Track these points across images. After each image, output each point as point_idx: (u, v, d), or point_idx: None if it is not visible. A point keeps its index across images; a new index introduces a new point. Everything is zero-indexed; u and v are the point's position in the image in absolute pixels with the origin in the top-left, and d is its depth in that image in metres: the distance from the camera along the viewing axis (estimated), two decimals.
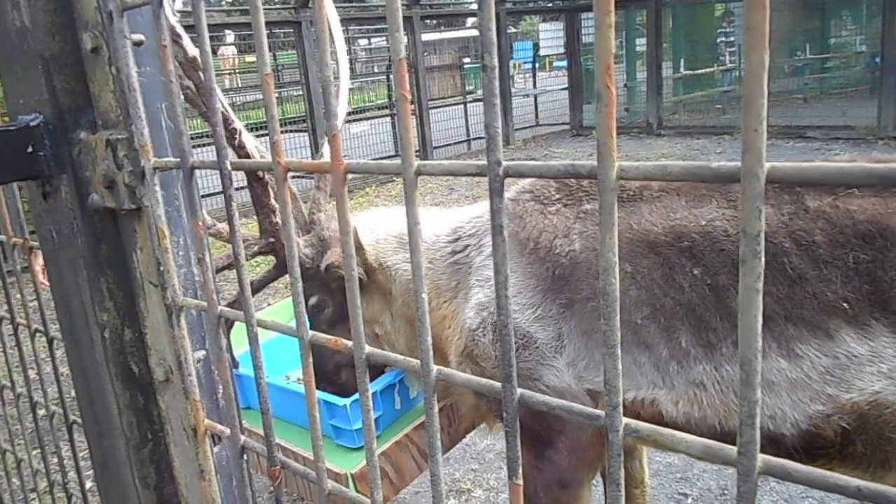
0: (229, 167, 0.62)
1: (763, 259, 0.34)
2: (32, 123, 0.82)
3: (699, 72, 15.16)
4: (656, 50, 13.89)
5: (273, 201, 2.13)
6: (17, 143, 0.82)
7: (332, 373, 2.60)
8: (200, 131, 10.26)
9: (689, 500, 3.30)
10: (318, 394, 2.43)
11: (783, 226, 1.73)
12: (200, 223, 0.69)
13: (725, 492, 3.29)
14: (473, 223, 2.28)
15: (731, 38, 15.86)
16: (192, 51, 1.12)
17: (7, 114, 0.98)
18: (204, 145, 10.11)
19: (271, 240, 2.18)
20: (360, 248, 2.28)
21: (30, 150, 0.82)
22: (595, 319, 1.94)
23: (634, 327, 1.84)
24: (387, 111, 15.39)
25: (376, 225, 2.43)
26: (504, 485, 3.48)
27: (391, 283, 2.34)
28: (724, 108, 14.97)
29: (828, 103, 14.52)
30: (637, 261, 1.87)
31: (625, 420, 0.40)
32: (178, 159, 0.69)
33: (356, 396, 2.47)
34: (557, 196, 2.13)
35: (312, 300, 2.46)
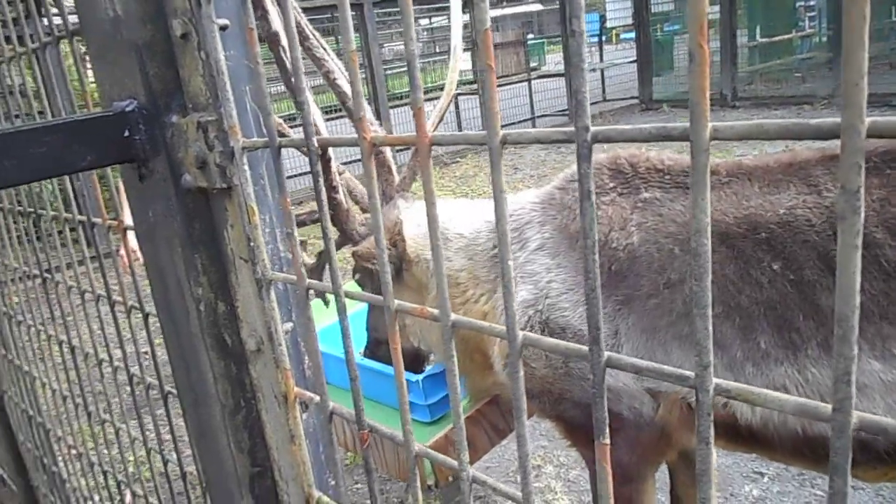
0: (316, 144, 0.65)
1: (862, 214, 0.34)
2: (128, 109, 0.86)
3: (776, 39, 14.45)
4: (731, 17, 13.31)
5: (334, 176, 2.17)
6: (114, 128, 0.87)
7: (373, 347, 2.65)
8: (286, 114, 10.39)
9: (766, 479, 3.23)
10: (387, 369, 2.50)
11: (874, 213, 1.58)
12: (288, 199, 0.72)
13: (803, 472, 3.20)
14: (515, 217, 2.16)
15: (812, 3, 15.04)
16: (276, 26, 1.15)
17: (98, 102, 1.04)
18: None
19: (330, 212, 2.23)
20: (401, 240, 2.26)
21: (126, 134, 0.87)
22: (657, 317, 1.82)
23: (693, 323, 1.73)
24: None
25: (423, 220, 2.37)
26: (574, 461, 3.49)
27: (427, 277, 2.31)
28: (804, 76, 14.24)
29: None
30: None
31: (715, 380, 0.40)
32: (266, 139, 0.72)
33: (429, 372, 2.52)
34: (612, 184, 1.99)
35: (356, 276, 2.49)
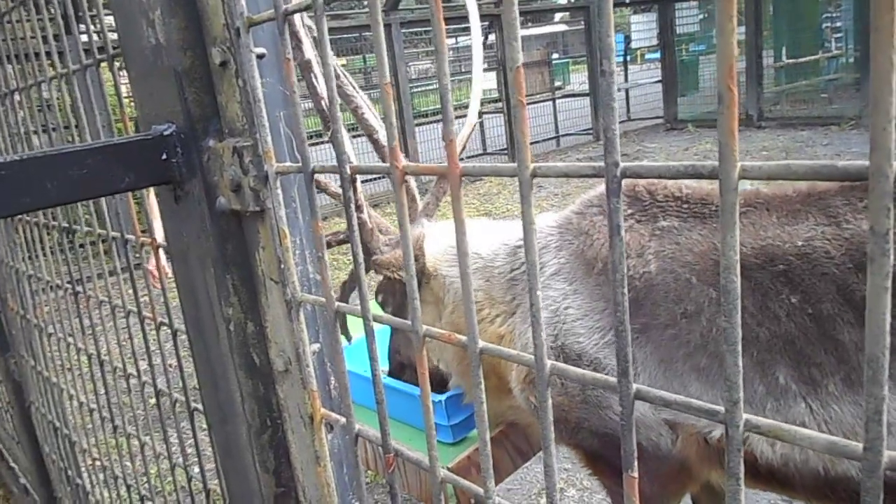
0: (349, 171, 0.66)
1: (891, 257, 0.34)
2: (166, 133, 0.89)
3: (803, 60, 14.34)
4: (756, 38, 13.25)
5: (359, 196, 2.21)
6: (152, 151, 0.90)
7: (397, 370, 2.67)
8: (312, 130, 10.42)
9: None
10: (411, 389, 2.51)
11: None
12: (319, 223, 0.74)
13: None
14: None
15: (838, 24, 14.91)
16: (308, 54, 1.19)
17: (137, 123, 1.07)
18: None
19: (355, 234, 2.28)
20: (422, 255, 2.29)
21: (164, 157, 0.89)
22: (674, 348, 1.79)
23: (723, 360, 1.70)
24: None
25: (443, 237, 2.42)
26: (598, 485, 3.44)
27: (444, 292, 2.33)
28: (831, 97, 14.09)
29: None
30: None
31: (745, 416, 0.41)
32: (300, 164, 0.73)
33: (451, 393, 2.52)
34: (629, 211, 1.98)
35: (378, 298, 2.51)
